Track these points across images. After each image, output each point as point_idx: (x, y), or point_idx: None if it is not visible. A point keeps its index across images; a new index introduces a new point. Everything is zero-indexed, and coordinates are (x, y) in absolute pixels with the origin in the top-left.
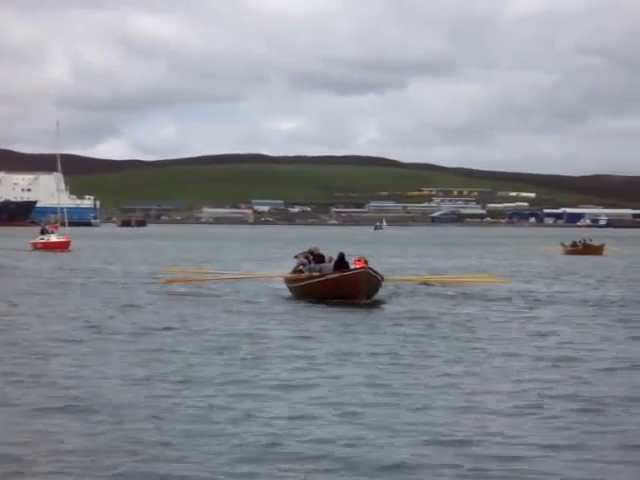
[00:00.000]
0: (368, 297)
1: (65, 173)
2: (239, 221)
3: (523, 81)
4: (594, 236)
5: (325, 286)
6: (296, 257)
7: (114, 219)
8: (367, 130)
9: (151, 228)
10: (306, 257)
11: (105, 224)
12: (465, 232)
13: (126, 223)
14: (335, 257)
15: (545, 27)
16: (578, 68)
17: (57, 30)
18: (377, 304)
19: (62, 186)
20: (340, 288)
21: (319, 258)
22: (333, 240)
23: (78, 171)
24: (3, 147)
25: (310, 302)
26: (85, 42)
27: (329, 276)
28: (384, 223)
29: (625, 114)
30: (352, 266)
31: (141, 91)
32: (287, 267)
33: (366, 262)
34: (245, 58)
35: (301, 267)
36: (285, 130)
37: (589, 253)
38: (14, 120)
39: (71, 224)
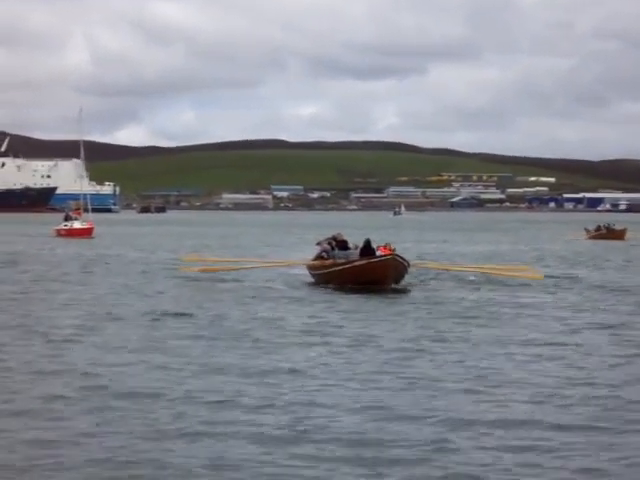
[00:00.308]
0: (395, 283)
1: (85, 159)
2: (258, 207)
3: (543, 65)
4: (615, 221)
5: (352, 273)
6: (318, 244)
7: (134, 205)
8: (386, 115)
9: (171, 214)
10: (329, 243)
11: (125, 210)
12: (485, 217)
13: (145, 209)
14: (360, 244)
15: (564, 11)
16: (597, 52)
17: (76, 16)
18: (404, 290)
19: (82, 172)
20: (368, 274)
21: (343, 244)
22: (353, 226)
23: (97, 157)
24: (22, 133)
25: (335, 288)
26: (104, 28)
27: (356, 263)
28: (402, 208)
29: None
30: (378, 253)
31: (160, 77)
32: (308, 253)
33: (392, 249)
34: (263, 43)
35: (324, 254)
36: (304, 115)
37: (612, 238)
38: (33, 106)
39: (92, 210)
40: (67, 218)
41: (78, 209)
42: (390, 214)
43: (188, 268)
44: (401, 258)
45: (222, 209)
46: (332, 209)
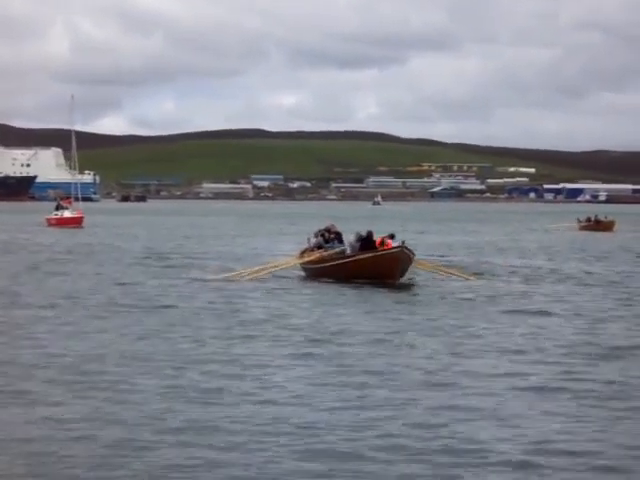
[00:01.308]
0: (401, 276)
1: (64, 148)
2: (238, 196)
3: (524, 56)
4: (595, 212)
5: (357, 266)
6: (310, 239)
7: (114, 194)
8: (367, 105)
9: (151, 203)
10: (322, 235)
11: (105, 199)
12: (466, 208)
13: (126, 198)
14: (352, 236)
15: (545, 2)
16: (578, 43)
17: (57, 4)
18: (413, 284)
19: (61, 161)
20: (374, 268)
21: (338, 236)
22: (330, 216)
23: (78, 146)
24: (2, 121)
25: (335, 283)
26: (85, 16)
27: (361, 256)
28: (379, 198)
29: (625, 89)
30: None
31: (141, 66)
32: (293, 245)
33: (402, 241)
34: (244, 33)
35: (311, 246)
36: (285, 105)
37: (600, 229)
38: (13, 94)
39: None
40: (58, 207)
41: (68, 198)
42: (369, 204)
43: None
44: (408, 250)
45: (202, 198)
46: (312, 199)
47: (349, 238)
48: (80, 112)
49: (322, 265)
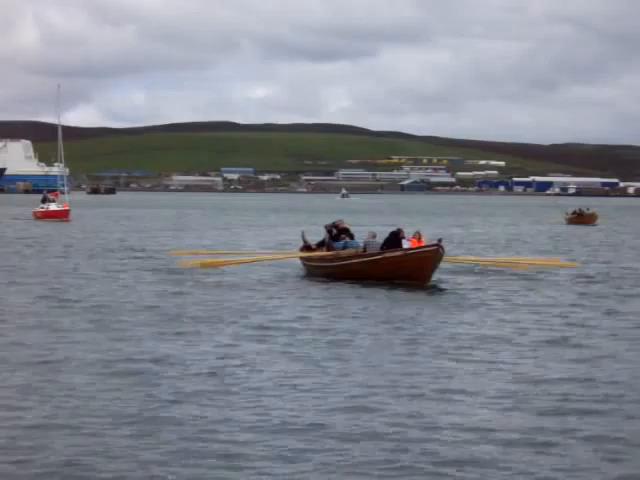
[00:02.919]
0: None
1: (34, 140)
2: (208, 189)
3: (494, 49)
4: (565, 205)
5: (382, 265)
6: (304, 232)
7: (83, 186)
8: (338, 98)
9: (120, 196)
10: (329, 231)
11: (74, 192)
12: (436, 200)
13: (95, 191)
14: (369, 234)
15: None
16: (549, 36)
17: None
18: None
19: (30, 153)
20: (404, 268)
21: (347, 233)
22: (297, 209)
23: (47, 138)
24: None
25: (346, 282)
26: (54, 8)
27: (388, 254)
28: (344, 191)
29: (596, 83)
30: (406, 244)
31: (111, 58)
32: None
33: (440, 239)
34: (216, 25)
35: (311, 243)
36: (255, 97)
37: (583, 222)
38: None
39: (41, 191)
40: (44, 200)
41: (54, 191)
42: (337, 196)
43: (186, 262)
44: (443, 249)
45: (172, 191)
46: (282, 191)
47: (364, 236)
48: (50, 104)
49: (336, 264)
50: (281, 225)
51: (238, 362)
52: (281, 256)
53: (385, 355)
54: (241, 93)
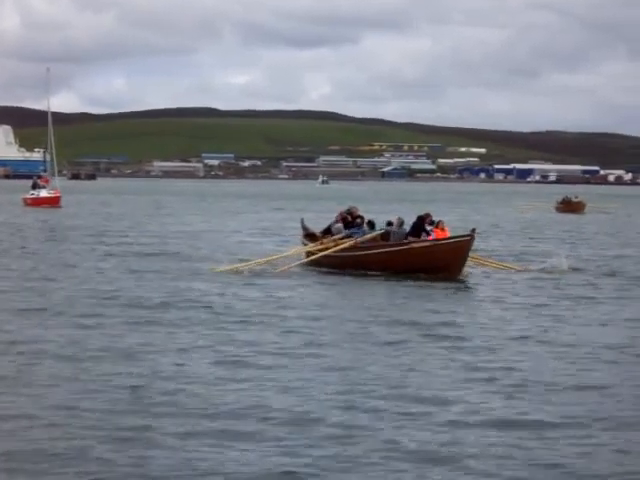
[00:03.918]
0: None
1: (15, 125)
2: (189, 175)
3: (475, 36)
4: (546, 193)
5: (408, 256)
6: (303, 220)
7: (64, 172)
8: (319, 85)
9: (101, 181)
10: (343, 219)
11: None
12: (418, 188)
13: (76, 176)
14: (395, 220)
15: None
16: (530, 24)
17: None
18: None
19: (11, 139)
20: (434, 260)
21: (362, 220)
22: (275, 196)
23: (28, 123)
24: None
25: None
26: None
27: (415, 244)
28: (323, 177)
29: (577, 70)
30: (433, 234)
31: (92, 43)
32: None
33: (443, 229)
34: (197, 10)
35: (314, 231)
36: (236, 84)
37: (571, 210)
38: None
39: (21, 177)
40: (35, 186)
41: (43, 177)
42: (316, 183)
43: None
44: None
45: (152, 177)
46: (263, 178)
47: (383, 225)
48: (31, 90)
49: (355, 253)
50: (263, 211)
51: (251, 352)
52: (299, 250)
53: (391, 351)
54: (222, 79)
